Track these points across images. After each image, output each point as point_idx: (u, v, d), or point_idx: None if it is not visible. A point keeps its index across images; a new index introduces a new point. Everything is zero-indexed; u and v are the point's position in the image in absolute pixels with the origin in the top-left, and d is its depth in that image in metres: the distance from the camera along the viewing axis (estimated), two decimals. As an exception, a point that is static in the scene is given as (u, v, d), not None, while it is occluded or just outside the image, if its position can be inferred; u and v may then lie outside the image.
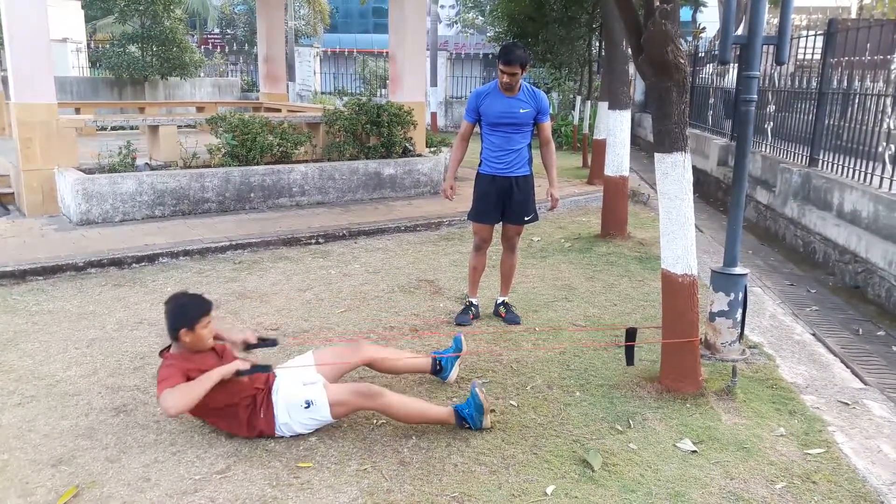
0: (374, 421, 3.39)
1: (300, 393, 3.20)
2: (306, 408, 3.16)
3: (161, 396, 2.92)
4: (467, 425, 3.26)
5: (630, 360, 3.78)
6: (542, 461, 3.06)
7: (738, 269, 4.13)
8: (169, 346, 3.22)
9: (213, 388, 3.03)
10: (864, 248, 5.86)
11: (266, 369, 3.25)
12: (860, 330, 5.06)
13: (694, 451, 3.16)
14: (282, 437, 3.21)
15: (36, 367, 3.96)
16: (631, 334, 3.74)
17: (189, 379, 3.01)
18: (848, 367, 4.29)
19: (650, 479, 2.95)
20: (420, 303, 5.16)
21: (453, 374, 3.81)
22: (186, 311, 3.12)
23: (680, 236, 3.67)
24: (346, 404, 3.18)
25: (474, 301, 4.88)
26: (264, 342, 3.53)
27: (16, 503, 2.74)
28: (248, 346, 3.47)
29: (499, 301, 4.92)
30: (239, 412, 3.16)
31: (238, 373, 3.13)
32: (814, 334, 4.83)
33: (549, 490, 2.85)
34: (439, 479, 2.92)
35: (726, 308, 4.12)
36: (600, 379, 3.89)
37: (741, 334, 4.22)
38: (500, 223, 4.75)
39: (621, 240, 7.01)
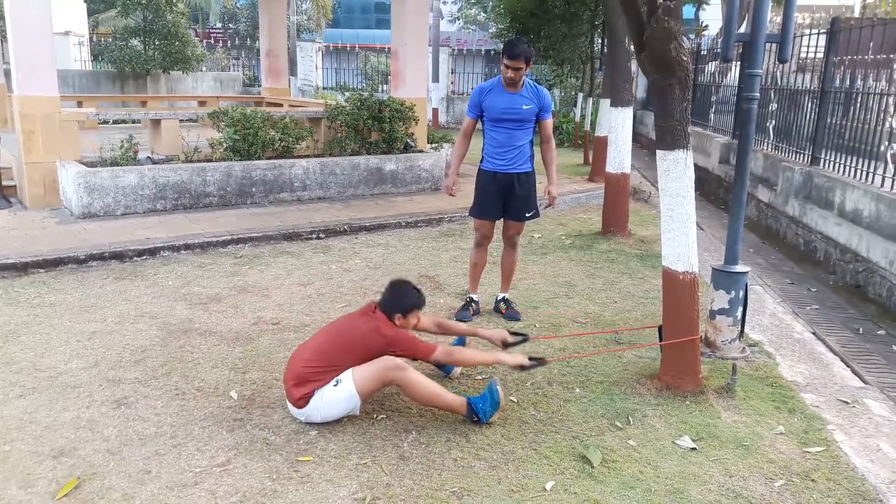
0: (374, 416, 3.40)
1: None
2: (335, 385, 3.25)
3: (440, 351, 3.37)
4: (476, 418, 3.30)
5: None
6: (542, 457, 3.07)
7: (738, 267, 4.13)
8: (377, 305, 3.49)
9: (363, 354, 3.29)
10: (866, 248, 5.86)
11: (543, 364, 3.66)
12: (860, 329, 5.06)
13: (693, 449, 3.17)
14: (298, 419, 3.28)
15: (37, 359, 3.98)
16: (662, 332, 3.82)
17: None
18: (848, 365, 4.30)
19: (649, 475, 2.96)
20: (421, 298, 5.16)
21: (458, 369, 3.84)
22: (409, 299, 3.52)
23: (681, 234, 3.67)
24: (371, 377, 3.25)
25: (475, 297, 4.88)
26: (518, 339, 3.86)
27: (17, 494, 2.75)
28: (506, 345, 3.80)
29: (499, 297, 4.92)
30: (330, 377, 3.25)
31: (521, 367, 3.54)
32: (814, 333, 4.83)
33: (549, 486, 2.86)
34: (439, 474, 2.93)
35: (727, 306, 4.12)
36: (600, 376, 3.90)
37: (741, 332, 4.22)
38: (502, 219, 4.75)
39: (622, 237, 7.01)
